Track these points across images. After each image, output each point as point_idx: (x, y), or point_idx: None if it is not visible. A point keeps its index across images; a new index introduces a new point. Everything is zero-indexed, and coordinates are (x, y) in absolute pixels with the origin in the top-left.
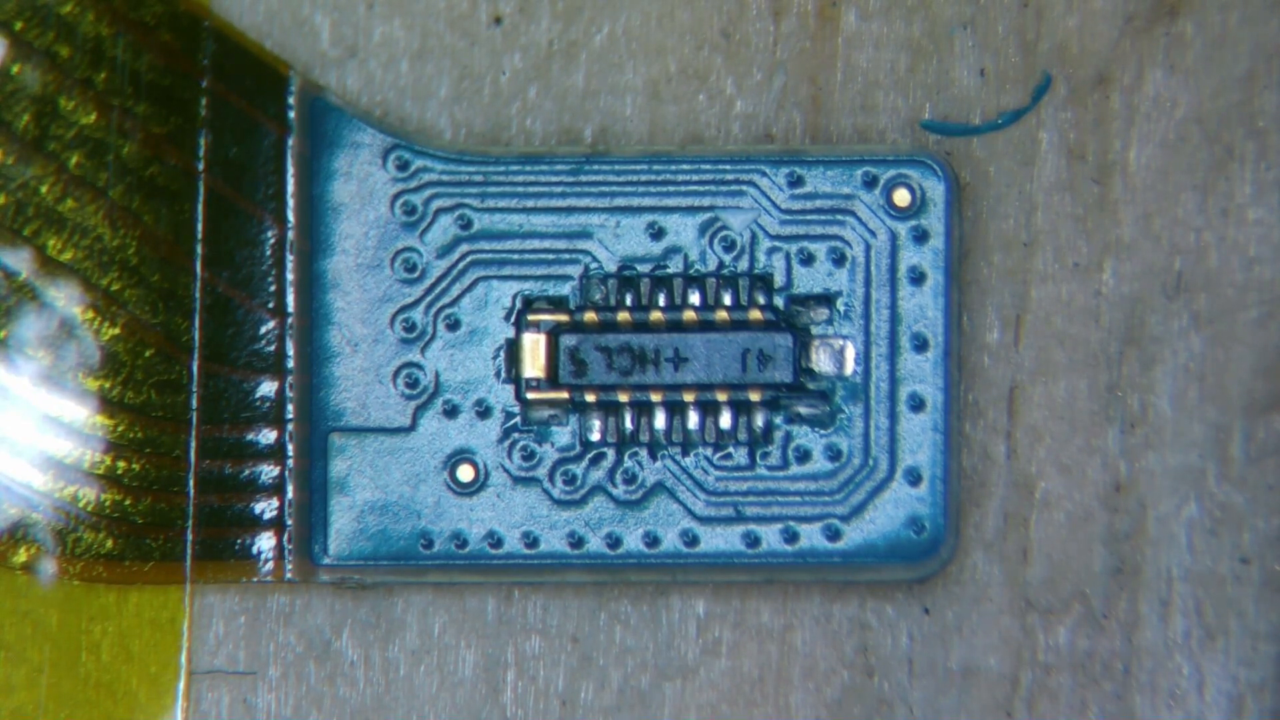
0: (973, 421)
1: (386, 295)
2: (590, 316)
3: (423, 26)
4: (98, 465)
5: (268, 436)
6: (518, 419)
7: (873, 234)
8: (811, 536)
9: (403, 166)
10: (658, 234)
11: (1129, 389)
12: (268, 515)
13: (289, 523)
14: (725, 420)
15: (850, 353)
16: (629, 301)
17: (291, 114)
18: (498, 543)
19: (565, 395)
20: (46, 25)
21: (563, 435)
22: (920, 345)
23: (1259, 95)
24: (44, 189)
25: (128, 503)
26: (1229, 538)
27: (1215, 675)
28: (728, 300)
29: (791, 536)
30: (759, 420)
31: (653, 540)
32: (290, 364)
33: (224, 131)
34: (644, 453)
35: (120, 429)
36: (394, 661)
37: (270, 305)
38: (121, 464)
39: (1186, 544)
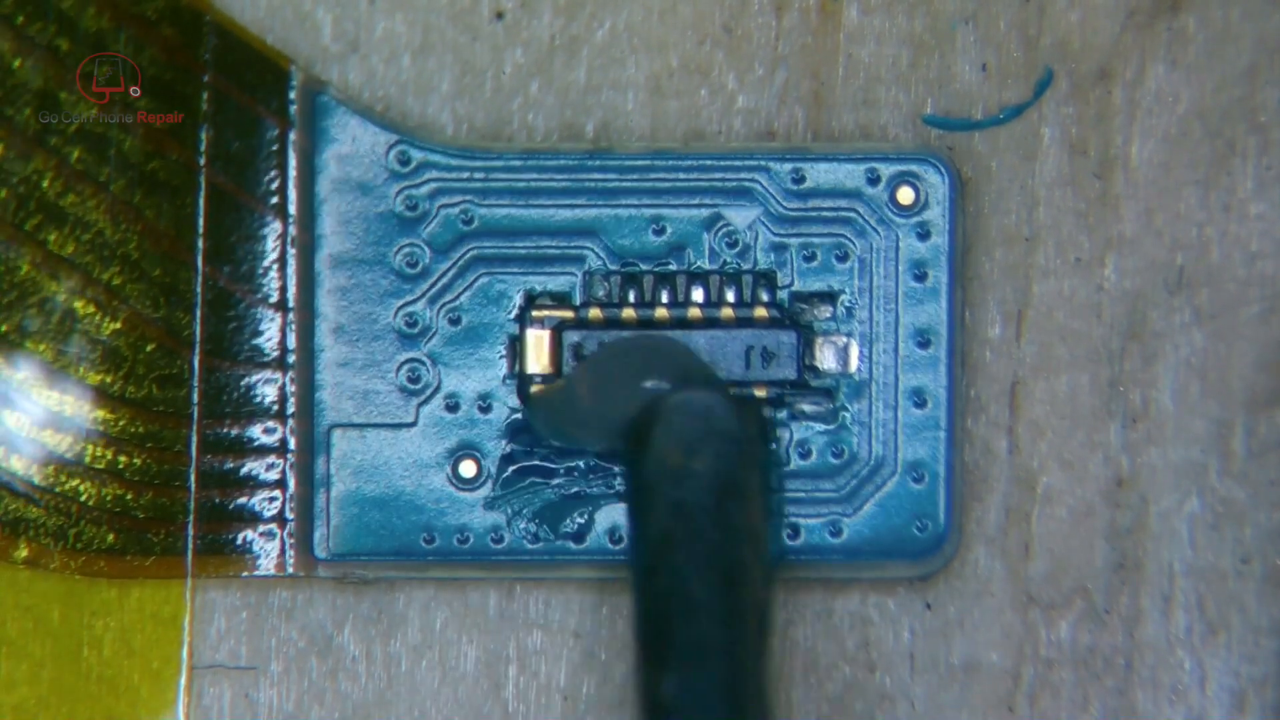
0: (975, 417)
1: (389, 290)
2: (594, 313)
3: (424, 21)
4: (99, 460)
5: (270, 431)
6: (520, 414)
7: (876, 230)
8: (813, 532)
9: (405, 162)
10: (661, 230)
11: (1131, 384)
12: (269, 510)
13: (290, 517)
14: None
15: (854, 349)
16: (632, 298)
17: (293, 109)
18: (500, 538)
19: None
20: (48, 19)
21: None
22: (923, 341)
23: (1261, 90)
24: (45, 183)
25: (129, 497)
26: (1230, 533)
27: (1217, 670)
28: (731, 297)
29: (793, 532)
30: None
31: None
32: (292, 359)
33: (225, 126)
34: None
35: (122, 424)
36: (396, 656)
37: (272, 300)
38: (123, 459)
39: (1188, 539)
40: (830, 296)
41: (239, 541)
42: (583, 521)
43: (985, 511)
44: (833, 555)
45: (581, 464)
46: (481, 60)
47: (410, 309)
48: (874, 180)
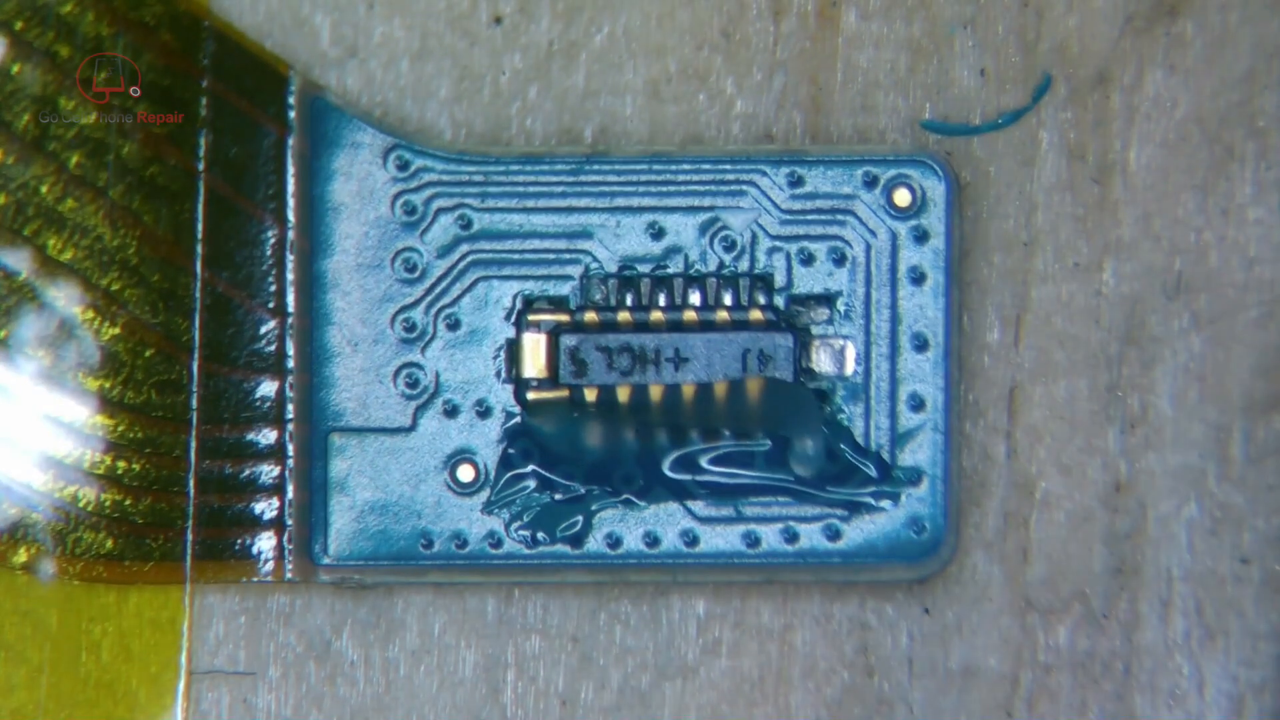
0: (973, 421)
1: (387, 295)
2: (591, 316)
3: (423, 26)
4: (98, 465)
5: (268, 436)
6: (518, 419)
7: (873, 234)
8: (812, 536)
9: (403, 166)
10: (658, 234)
11: (1129, 389)
12: (268, 515)
13: (289, 523)
14: None
15: (850, 353)
16: (629, 301)
17: (292, 114)
18: (498, 543)
19: (566, 395)
20: (46, 25)
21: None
22: (920, 345)
23: (1259, 95)
24: (44, 189)
25: (128, 503)
26: (1229, 538)
27: (1215, 675)
28: (728, 300)
29: (791, 536)
30: None
31: (653, 540)
32: (290, 364)
33: (224, 131)
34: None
35: (120, 429)
36: (394, 661)
37: (270, 305)
38: (122, 464)
39: (1186, 544)
40: (827, 299)
41: (237, 546)
42: (580, 526)
43: (983, 516)
44: (831, 559)
45: (579, 470)
46: (480, 65)
47: (408, 313)
48: (871, 183)
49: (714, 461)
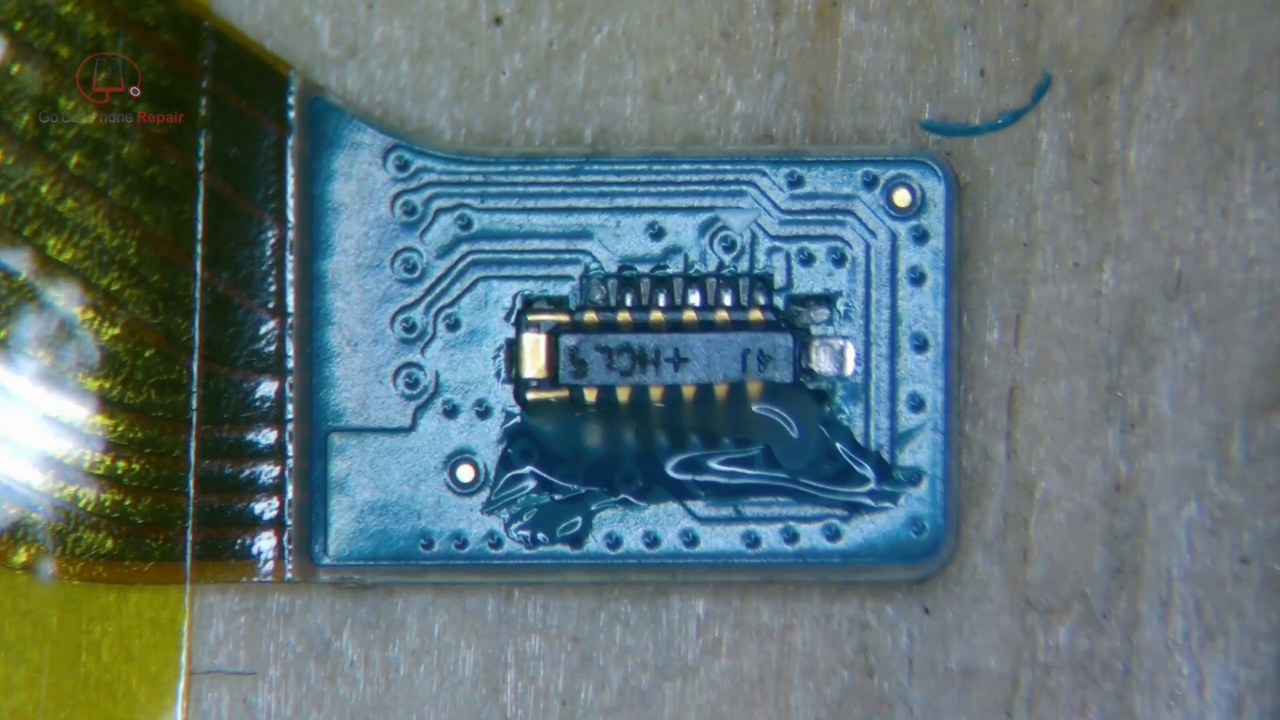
0: (973, 421)
1: (386, 295)
2: (590, 316)
3: (423, 27)
4: (98, 465)
5: (268, 436)
6: (518, 419)
7: (873, 234)
8: (811, 536)
9: (403, 166)
10: (658, 234)
11: (1129, 389)
12: (268, 515)
13: (289, 523)
14: None
15: (850, 353)
16: (629, 301)
17: (291, 114)
18: (497, 543)
19: (565, 395)
20: (46, 25)
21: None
22: (920, 345)
23: (1259, 95)
24: (44, 189)
25: (128, 503)
26: (1229, 538)
27: (1215, 675)
28: (728, 300)
29: (791, 536)
30: None
31: (653, 540)
32: (290, 364)
33: (224, 131)
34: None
35: (120, 429)
36: (394, 661)
37: (270, 305)
38: (121, 464)
39: (1186, 544)
40: (827, 299)
41: (237, 546)
42: (580, 526)
43: (983, 516)
44: (830, 559)
45: (579, 470)
46: (480, 65)
47: (408, 313)
48: (871, 183)
49: (714, 461)
